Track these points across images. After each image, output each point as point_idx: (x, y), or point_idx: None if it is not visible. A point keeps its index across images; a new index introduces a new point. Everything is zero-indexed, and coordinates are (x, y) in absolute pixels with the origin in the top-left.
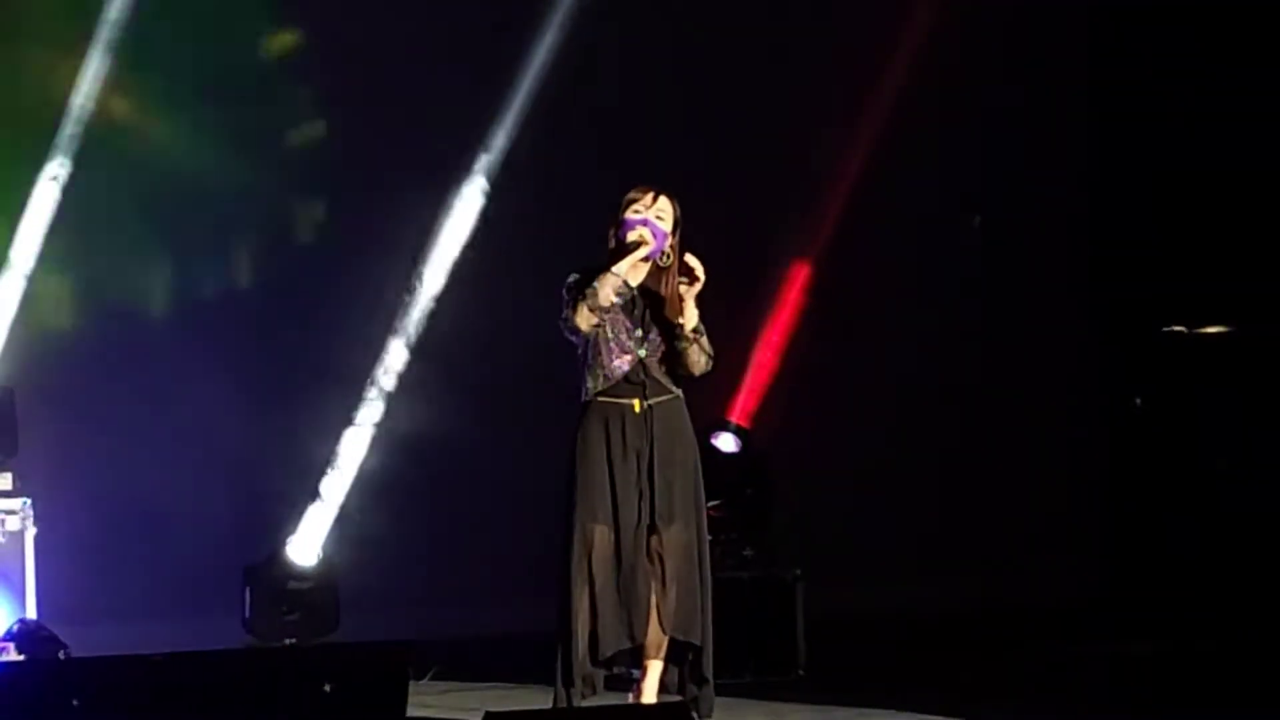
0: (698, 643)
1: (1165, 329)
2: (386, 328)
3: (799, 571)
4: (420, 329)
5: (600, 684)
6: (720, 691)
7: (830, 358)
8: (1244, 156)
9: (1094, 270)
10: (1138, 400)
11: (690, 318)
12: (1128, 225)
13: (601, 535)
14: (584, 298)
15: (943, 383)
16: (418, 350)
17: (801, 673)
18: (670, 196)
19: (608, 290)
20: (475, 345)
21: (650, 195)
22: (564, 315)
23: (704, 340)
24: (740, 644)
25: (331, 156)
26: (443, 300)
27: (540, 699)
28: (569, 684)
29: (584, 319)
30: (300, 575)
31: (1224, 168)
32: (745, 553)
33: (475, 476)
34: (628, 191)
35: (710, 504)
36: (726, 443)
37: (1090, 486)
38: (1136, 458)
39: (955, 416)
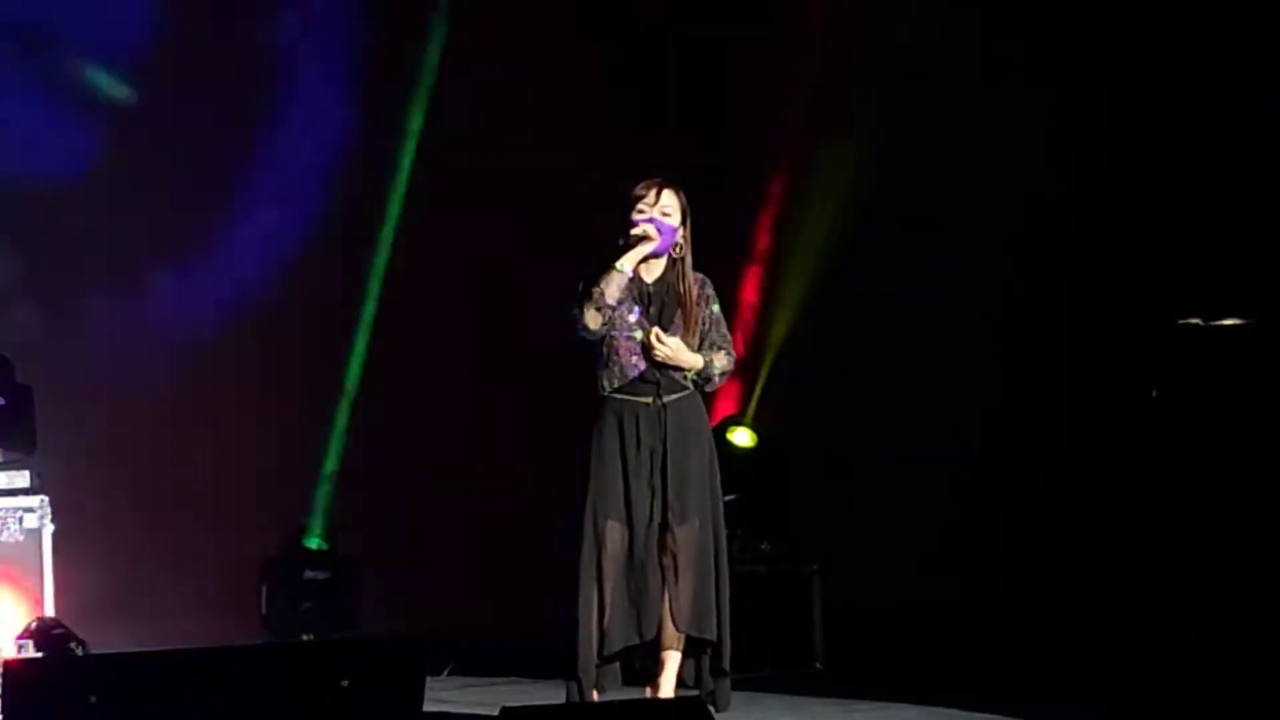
0: (712, 638)
1: (1182, 321)
2: (402, 320)
3: (816, 565)
4: (437, 321)
5: (618, 679)
6: (738, 686)
7: (846, 350)
8: (1261, 147)
9: (1110, 262)
10: (1154, 393)
11: (690, 365)
12: (1144, 216)
13: (614, 532)
14: (590, 297)
15: (959, 374)
16: (436, 342)
17: (819, 667)
18: (675, 189)
19: (613, 288)
20: (495, 338)
21: (654, 192)
22: (573, 314)
23: (716, 363)
24: (758, 638)
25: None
26: (464, 293)
27: (558, 694)
28: (580, 679)
29: (592, 318)
30: (316, 571)
31: (1240, 157)
32: (762, 547)
33: (493, 470)
34: (634, 189)
35: (727, 498)
36: (742, 437)
37: (1108, 478)
38: (1153, 449)
39: (973, 408)
